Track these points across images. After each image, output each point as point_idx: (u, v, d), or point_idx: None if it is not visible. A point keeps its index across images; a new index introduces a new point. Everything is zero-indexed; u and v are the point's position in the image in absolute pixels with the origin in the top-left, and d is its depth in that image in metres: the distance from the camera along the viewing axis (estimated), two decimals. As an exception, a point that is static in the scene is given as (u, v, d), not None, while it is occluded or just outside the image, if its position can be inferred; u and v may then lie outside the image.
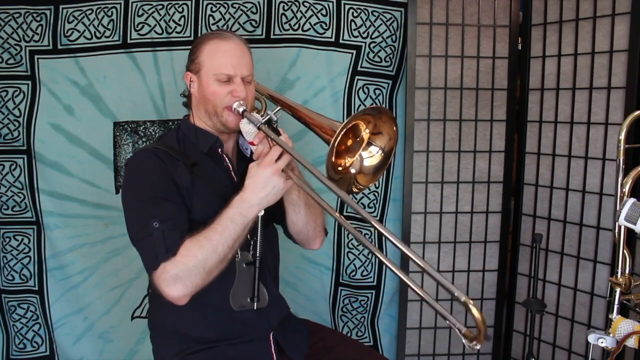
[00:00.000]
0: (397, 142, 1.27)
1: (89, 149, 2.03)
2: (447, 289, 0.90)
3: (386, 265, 1.03)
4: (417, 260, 0.96)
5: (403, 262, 2.20)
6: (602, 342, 1.41)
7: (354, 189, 1.28)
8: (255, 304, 1.33)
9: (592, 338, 1.42)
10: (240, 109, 1.33)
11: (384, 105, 2.17)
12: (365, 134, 1.26)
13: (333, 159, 1.21)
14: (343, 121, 1.18)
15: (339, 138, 1.15)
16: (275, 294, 1.48)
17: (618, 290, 1.44)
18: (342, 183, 1.25)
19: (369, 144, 1.27)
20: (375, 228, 2.19)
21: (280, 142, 1.23)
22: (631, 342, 1.36)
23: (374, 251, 1.06)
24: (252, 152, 1.33)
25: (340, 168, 1.26)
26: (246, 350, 1.38)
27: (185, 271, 1.19)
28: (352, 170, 1.27)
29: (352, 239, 2.23)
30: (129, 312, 2.15)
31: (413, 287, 0.99)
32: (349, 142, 1.27)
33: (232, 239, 1.22)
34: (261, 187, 1.22)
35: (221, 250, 1.21)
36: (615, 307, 1.43)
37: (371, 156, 1.28)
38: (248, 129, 1.30)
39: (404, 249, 0.98)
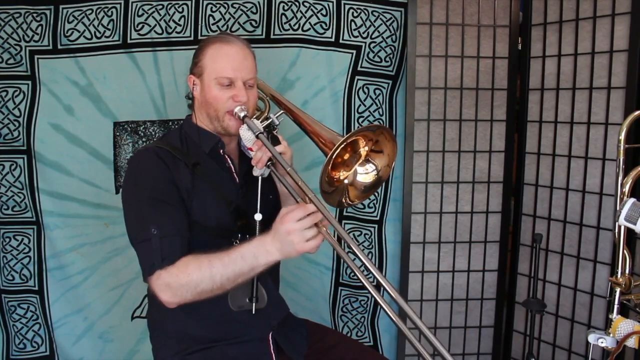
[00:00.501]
0: (392, 169, 1.28)
1: (89, 149, 2.03)
2: (437, 349, 0.96)
3: (383, 308, 1.07)
4: (413, 317, 1.01)
5: (403, 262, 2.20)
6: (602, 342, 1.41)
7: (344, 201, 1.27)
8: (253, 305, 1.33)
9: (592, 338, 1.42)
10: (241, 114, 1.33)
11: (384, 106, 2.17)
12: (363, 150, 1.27)
13: (329, 170, 1.21)
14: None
15: (337, 152, 1.15)
16: (275, 294, 1.48)
17: (618, 290, 1.43)
18: (335, 194, 1.25)
19: (367, 160, 1.27)
20: (375, 228, 2.23)
21: (275, 153, 1.23)
22: (631, 342, 1.36)
23: (371, 291, 1.11)
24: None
25: (335, 180, 1.26)
26: (245, 350, 1.38)
27: (177, 284, 1.20)
28: (346, 181, 1.27)
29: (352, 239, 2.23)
30: (129, 312, 2.15)
31: (411, 339, 1.02)
32: (347, 156, 1.27)
33: (235, 274, 1.18)
34: (278, 239, 1.16)
35: (219, 280, 1.18)
36: (615, 307, 1.43)
37: (366, 173, 1.28)
38: (247, 136, 1.31)
39: (397, 299, 1.03)
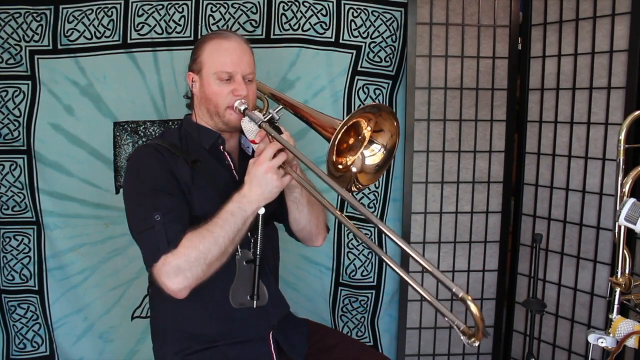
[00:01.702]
0: (399, 138, 1.27)
1: (89, 149, 2.03)
2: (446, 285, 0.91)
3: (386, 263, 1.04)
4: (415, 257, 0.96)
5: (403, 261, 2.20)
6: (602, 342, 1.41)
7: (354, 188, 1.28)
8: (255, 302, 1.33)
9: (592, 338, 1.43)
10: (242, 107, 1.33)
11: (384, 106, 2.17)
12: (366, 132, 1.27)
13: (334, 157, 1.21)
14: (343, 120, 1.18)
15: (339, 135, 1.15)
16: (275, 292, 1.49)
17: (618, 290, 1.44)
18: (342, 181, 1.25)
19: (371, 142, 1.27)
20: (375, 227, 2.23)
21: (281, 140, 1.23)
22: (631, 342, 1.36)
23: (374, 249, 1.06)
24: (254, 151, 1.33)
25: (341, 166, 1.26)
26: (246, 350, 1.38)
27: (187, 262, 1.20)
28: (354, 169, 1.27)
29: (352, 239, 2.23)
30: (129, 312, 2.15)
31: (413, 284, 0.99)
32: (351, 141, 1.27)
33: (233, 232, 1.23)
34: (256, 184, 1.22)
35: (222, 242, 1.22)
36: (615, 307, 1.43)
37: (373, 154, 1.28)
38: (249, 127, 1.31)
39: (403, 246, 0.99)
